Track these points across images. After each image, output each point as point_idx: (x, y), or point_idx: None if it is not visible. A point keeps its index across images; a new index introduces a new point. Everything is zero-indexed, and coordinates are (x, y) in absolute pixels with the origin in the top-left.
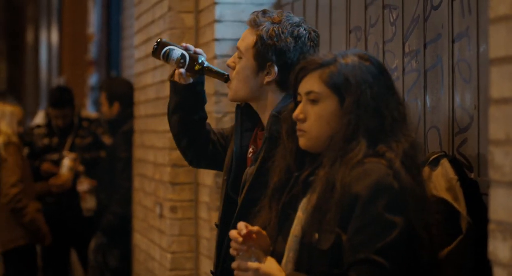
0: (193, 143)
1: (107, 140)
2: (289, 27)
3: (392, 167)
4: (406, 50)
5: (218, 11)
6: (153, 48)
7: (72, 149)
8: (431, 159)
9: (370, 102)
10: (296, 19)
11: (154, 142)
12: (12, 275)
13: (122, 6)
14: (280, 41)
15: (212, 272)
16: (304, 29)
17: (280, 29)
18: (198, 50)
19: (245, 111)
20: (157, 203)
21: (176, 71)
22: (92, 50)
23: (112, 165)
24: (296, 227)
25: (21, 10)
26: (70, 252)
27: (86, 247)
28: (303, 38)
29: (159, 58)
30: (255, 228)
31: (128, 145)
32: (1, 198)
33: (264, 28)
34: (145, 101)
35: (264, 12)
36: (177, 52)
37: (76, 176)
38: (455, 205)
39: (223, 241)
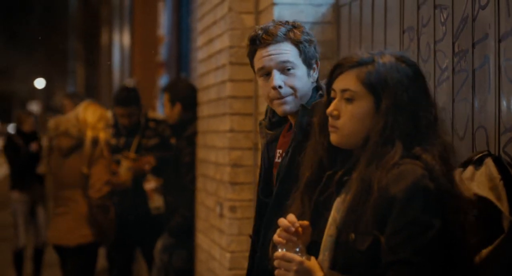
0: None
1: (174, 141)
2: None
3: (428, 168)
4: (456, 50)
5: (276, 11)
6: None
7: (138, 149)
8: (475, 158)
9: (406, 105)
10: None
11: (215, 142)
12: (72, 271)
13: (191, 9)
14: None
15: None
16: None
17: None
18: None
19: (268, 125)
20: (217, 203)
21: None
22: (163, 52)
23: (177, 168)
24: (330, 227)
25: (97, 12)
26: (135, 251)
27: (151, 247)
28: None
29: None
30: (305, 222)
31: (191, 149)
32: (92, 193)
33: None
34: (208, 101)
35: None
36: None
37: (143, 176)
38: (498, 204)
39: (255, 251)
